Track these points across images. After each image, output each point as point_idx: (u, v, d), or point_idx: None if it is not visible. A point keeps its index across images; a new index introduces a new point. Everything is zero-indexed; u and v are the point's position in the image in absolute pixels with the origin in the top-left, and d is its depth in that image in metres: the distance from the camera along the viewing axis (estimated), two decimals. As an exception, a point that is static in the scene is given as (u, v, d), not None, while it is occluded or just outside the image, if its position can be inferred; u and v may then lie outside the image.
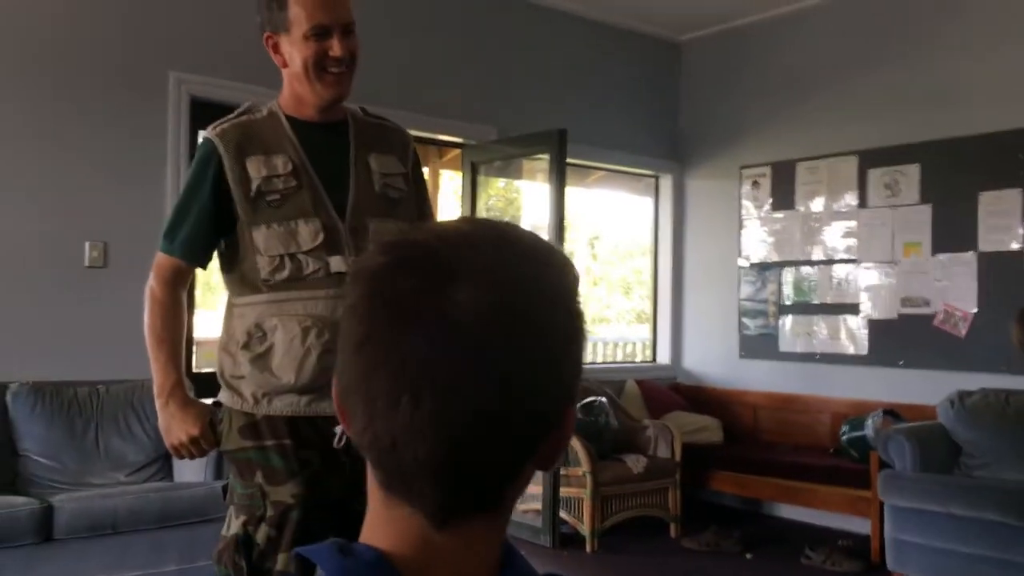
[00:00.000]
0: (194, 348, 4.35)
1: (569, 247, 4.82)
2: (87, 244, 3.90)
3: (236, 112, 1.93)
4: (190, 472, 3.47)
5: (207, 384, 4.42)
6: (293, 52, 1.85)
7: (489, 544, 0.65)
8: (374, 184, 1.93)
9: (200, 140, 1.95)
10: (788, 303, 5.50)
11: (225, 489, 1.92)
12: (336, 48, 1.83)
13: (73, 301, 3.83)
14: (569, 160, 4.84)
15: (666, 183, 6.18)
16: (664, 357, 6.12)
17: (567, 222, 4.82)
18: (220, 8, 4.26)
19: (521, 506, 4.75)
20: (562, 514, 4.60)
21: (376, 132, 2.00)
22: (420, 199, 2.07)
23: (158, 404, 1.88)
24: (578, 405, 4.77)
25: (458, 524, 0.63)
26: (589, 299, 8.79)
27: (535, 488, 4.62)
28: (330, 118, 1.94)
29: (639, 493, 4.72)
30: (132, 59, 4.03)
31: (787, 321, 5.50)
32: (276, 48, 1.88)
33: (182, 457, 1.92)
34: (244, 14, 4.32)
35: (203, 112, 4.25)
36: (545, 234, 4.76)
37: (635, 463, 4.73)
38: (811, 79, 5.43)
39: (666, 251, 6.16)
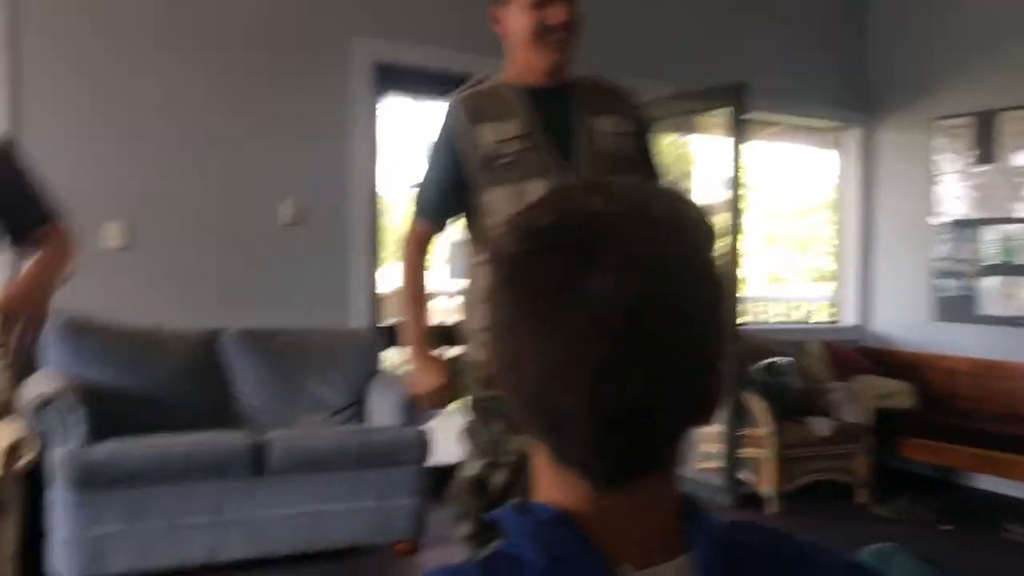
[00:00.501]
0: (379, 302, 4.51)
1: (743, 204, 4.68)
2: (282, 204, 4.11)
3: (472, 80, 2.07)
4: (383, 418, 3.64)
5: (393, 336, 4.62)
6: (516, 21, 1.94)
7: (662, 499, 0.66)
8: (601, 144, 1.99)
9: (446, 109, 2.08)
10: (990, 263, 5.13)
11: (470, 433, 2.03)
12: (555, 15, 1.91)
13: (273, 257, 4.08)
14: (748, 115, 4.67)
15: (853, 136, 5.86)
16: (849, 318, 5.86)
17: (744, 179, 4.67)
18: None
19: (701, 464, 4.70)
20: (742, 475, 4.52)
21: (603, 94, 2.06)
22: (649, 162, 2.11)
23: (409, 355, 2.03)
24: (760, 365, 4.65)
25: (626, 487, 0.64)
26: (764, 258, 8.51)
27: (714, 447, 4.55)
28: (557, 82, 2.00)
29: (823, 457, 4.57)
30: (318, 26, 4.19)
31: (988, 282, 5.13)
32: (500, 20, 1.98)
33: (427, 407, 2.06)
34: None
35: (387, 76, 4.38)
36: (722, 191, 4.63)
37: (819, 426, 4.57)
38: (1018, 18, 4.98)
39: (852, 208, 5.86)
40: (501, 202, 1.92)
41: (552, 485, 0.66)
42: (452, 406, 2.14)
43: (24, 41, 3.59)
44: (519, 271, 0.62)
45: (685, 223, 0.64)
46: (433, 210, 2.04)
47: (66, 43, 3.69)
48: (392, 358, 4.41)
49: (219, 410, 3.52)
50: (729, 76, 4.70)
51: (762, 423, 4.41)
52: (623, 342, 0.59)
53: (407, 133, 6.00)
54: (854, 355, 5.45)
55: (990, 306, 5.12)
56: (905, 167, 5.62)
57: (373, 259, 4.38)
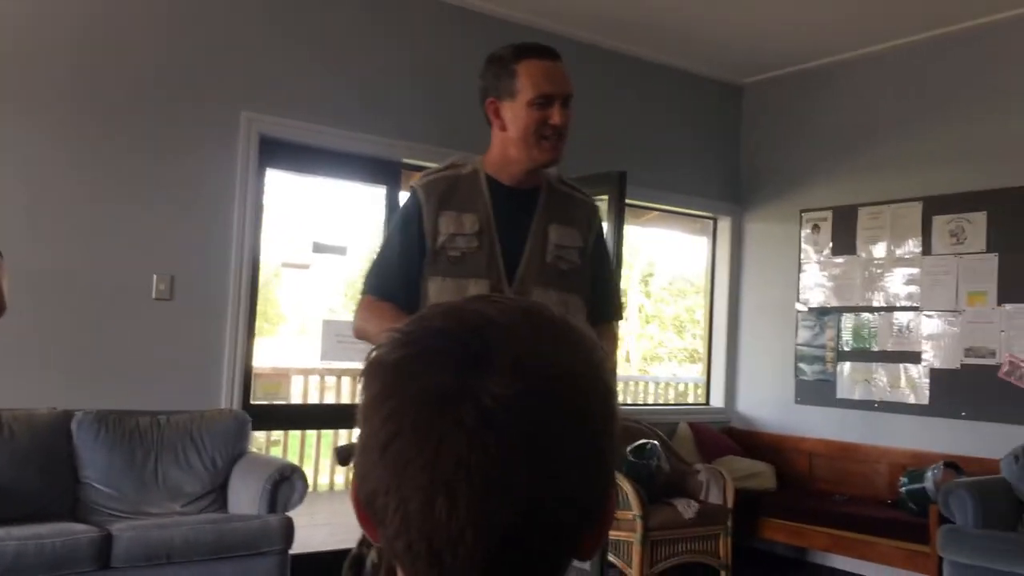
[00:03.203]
0: (252, 379, 4.43)
1: (623, 284, 4.83)
2: (155, 276, 4.01)
3: (443, 165, 2.08)
4: (244, 504, 3.54)
5: (264, 416, 4.53)
6: (515, 117, 1.98)
7: None
8: (547, 254, 2.03)
9: (408, 190, 2.09)
10: (847, 349, 5.41)
11: None
12: (556, 116, 1.97)
13: (139, 332, 3.95)
14: (628, 201, 4.85)
15: (724, 225, 6.14)
16: (718, 400, 6.06)
17: (624, 262, 4.83)
18: (291, 51, 4.39)
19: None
20: (610, 557, 4.56)
21: (563, 203, 2.10)
22: (600, 271, 2.15)
23: None
24: (629, 447, 4.74)
25: None
26: (641, 337, 8.71)
27: (584, 530, 4.59)
28: (527, 184, 2.05)
29: (689, 539, 4.66)
30: (205, 97, 4.17)
31: (845, 368, 5.40)
32: (497, 112, 2.01)
33: None
34: (315, 57, 4.48)
35: (272, 150, 4.38)
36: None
37: (686, 508, 4.68)
38: (874, 124, 5.37)
39: (722, 293, 6.11)
40: (441, 294, 1.95)
41: None
42: None
43: None
44: (402, 378, 0.58)
45: (580, 335, 0.62)
46: (388, 291, 2.00)
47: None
48: (260, 440, 4.31)
49: (65, 499, 3.36)
50: (611, 164, 4.90)
51: (631, 506, 4.49)
52: (519, 443, 0.55)
53: (289, 208, 5.97)
54: (721, 436, 5.63)
55: (846, 390, 5.39)
56: (771, 256, 5.91)
57: (249, 334, 4.30)
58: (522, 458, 0.55)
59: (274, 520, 3.43)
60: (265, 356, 4.94)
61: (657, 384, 6.72)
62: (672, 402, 6.45)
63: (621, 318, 2.24)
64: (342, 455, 1.97)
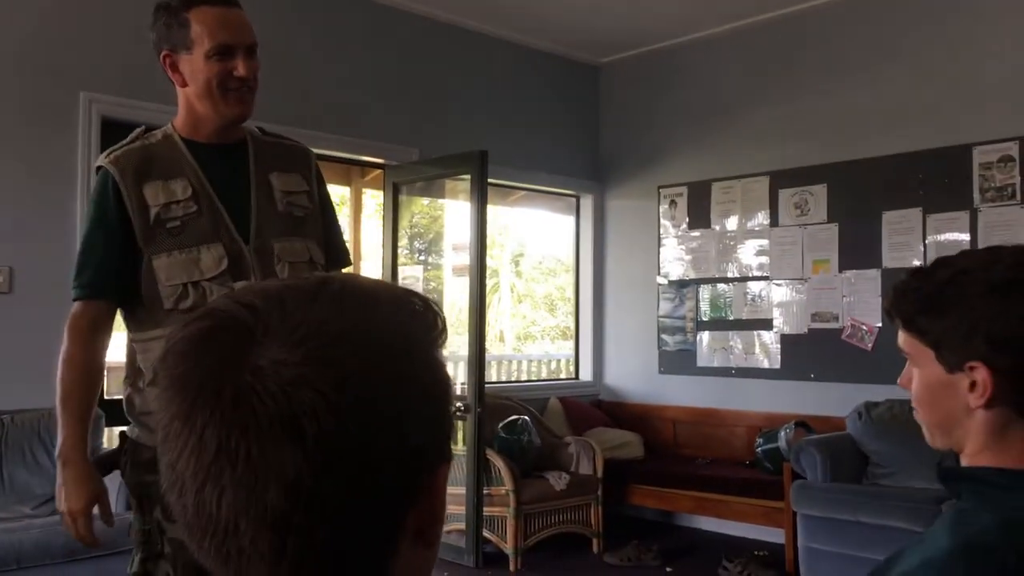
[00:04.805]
0: (105, 373, 4.22)
1: (493, 264, 4.89)
2: (-10, 268, 3.78)
3: (129, 138, 1.88)
4: (100, 503, 3.38)
5: (118, 412, 4.33)
6: (195, 71, 1.80)
7: None
8: (277, 203, 1.90)
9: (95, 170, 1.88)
10: (705, 319, 5.64)
11: (131, 525, 1.87)
12: (240, 68, 1.80)
13: (-24, 328, 3.71)
14: (491, 180, 4.88)
15: (587, 202, 6.27)
16: (586, 374, 6.20)
17: (490, 240, 4.87)
18: (133, 28, 4.17)
19: (445, 527, 4.74)
20: (485, 533, 4.62)
21: (277, 151, 1.97)
22: (326, 217, 2.04)
23: (58, 464, 1.76)
24: (501, 424, 4.80)
25: None
26: (515, 316, 8.81)
27: (458, 508, 4.63)
28: (228, 139, 1.90)
29: (561, 510, 4.77)
30: (42, 79, 3.93)
31: (704, 337, 5.63)
32: (175, 67, 1.83)
33: (77, 531, 1.74)
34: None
35: (114, 133, 4.16)
36: (467, 253, 4.79)
37: (557, 480, 4.78)
38: (725, 103, 5.59)
39: (587, 269, 6.25)
40: (171, 270, 1.77)
41: None
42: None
43: None
44: (180, 358, 0.54)
45: (388, 302, 0.58)
46: (102, 284, 1.79)
47: None
48: (116, 437, 4.11)
49: None
50: (474, 144, 4.91)
51: (504, 481, 4.55)
52: (282, 422, 0.51)
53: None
54: (590, 409, 5.77)
55: (705, 358, 5.62)
56: (634, 231, 6.08)
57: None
58: (285, 440, 0.51)
59: (128, 522, 3.28)
60: (120, 351, 4.71)
61: (530, 362, 6.83)
62: (545, 378, 6.56)
63: (350, 263, 2.15)
64: (103, 465, 1.82)
